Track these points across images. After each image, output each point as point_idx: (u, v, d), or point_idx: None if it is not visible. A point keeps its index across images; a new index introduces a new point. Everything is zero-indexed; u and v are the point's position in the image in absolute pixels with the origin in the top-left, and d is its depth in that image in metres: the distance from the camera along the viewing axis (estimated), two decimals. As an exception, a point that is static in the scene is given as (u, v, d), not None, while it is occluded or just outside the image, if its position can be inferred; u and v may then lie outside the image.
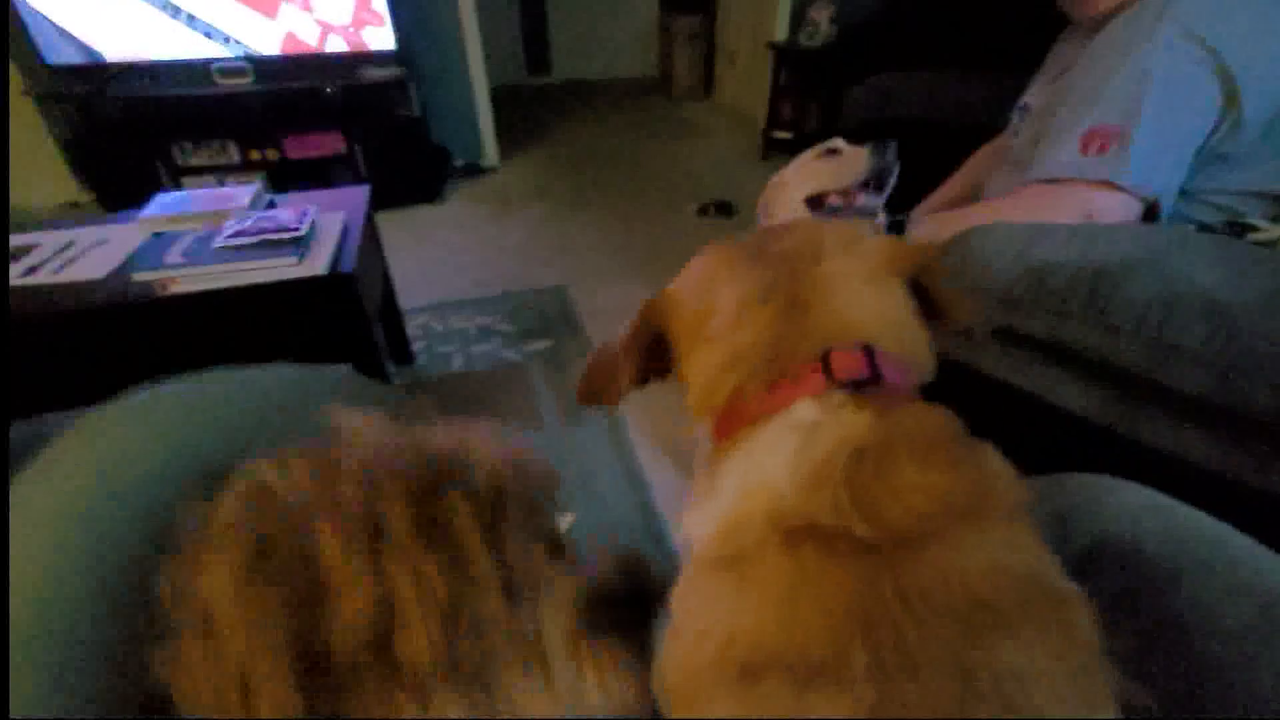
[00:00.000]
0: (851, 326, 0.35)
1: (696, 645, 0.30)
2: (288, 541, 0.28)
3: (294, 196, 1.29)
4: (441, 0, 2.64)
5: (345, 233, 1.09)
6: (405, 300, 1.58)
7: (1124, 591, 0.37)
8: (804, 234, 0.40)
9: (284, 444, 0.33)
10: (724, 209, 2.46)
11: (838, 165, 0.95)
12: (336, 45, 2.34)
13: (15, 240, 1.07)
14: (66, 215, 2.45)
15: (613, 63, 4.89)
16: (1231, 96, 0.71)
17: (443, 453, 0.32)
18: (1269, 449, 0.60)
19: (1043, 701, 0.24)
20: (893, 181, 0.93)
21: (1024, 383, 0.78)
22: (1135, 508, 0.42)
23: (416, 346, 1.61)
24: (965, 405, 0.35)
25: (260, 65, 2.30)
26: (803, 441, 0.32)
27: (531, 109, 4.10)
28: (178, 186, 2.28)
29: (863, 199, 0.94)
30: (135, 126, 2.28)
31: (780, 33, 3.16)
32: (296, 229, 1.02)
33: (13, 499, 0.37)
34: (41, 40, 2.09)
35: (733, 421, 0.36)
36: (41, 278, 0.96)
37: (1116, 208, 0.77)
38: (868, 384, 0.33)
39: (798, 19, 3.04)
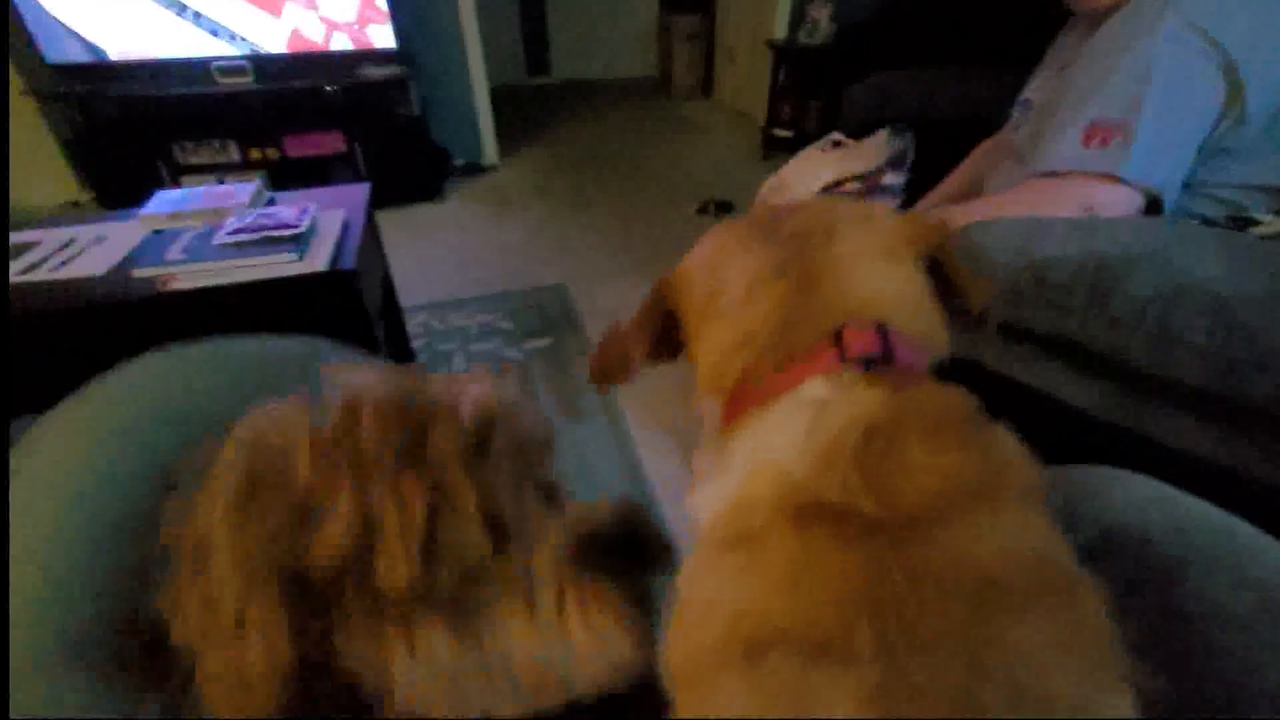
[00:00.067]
0: (865, 304, 0.34)
1: (702, 623, 0.30)
2: (274, 474, 0.29)
3: (294, 194, 1.29)
4: (441, 0, 2.64)
5: (346, 230, 1.09)
6: (405, 299, 1.57)
7: (1131, 582, 0.37)
8: (817, 211, 0.39)
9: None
10: (724, 208, 2.46)
11: (845, 154, 0.96)
12: (341, 43, 2.34)
13: (15, 238, 1.06)
14: (67, 214, 2.45)
15: (612, 62, 4.89)
16: (1235, 90, 0.71)
17: (433, 392, 0.33)
18: (1274, 441, 0.60)
19: (1051, 683, 0.24)
20: (910, 160, 0.95)
21: (1027, 378, 0.77)
22: (1142, 499, 0.42)
23: (417, 345, 1.61)
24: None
25: (260, 64, 2.30)
26: (813, 420, 0.31)
27: (531, 109, 4.09)
28: (178, 185, 2.27)
29: (890, 177, 0.95)
30: (135, 126, 2.28)
31: (780, 31, 3.16)
32: (297, 226, 1.02)
33: (26, 443, 0.40)
34: (43, 39, 2.09)
35: (743, 400, 0.35)
36: (41, 275, 0.96)
37: (1118, 201, 0.77)
38: (880, 362, 0.32)
39: (797, 17, 3.04)
